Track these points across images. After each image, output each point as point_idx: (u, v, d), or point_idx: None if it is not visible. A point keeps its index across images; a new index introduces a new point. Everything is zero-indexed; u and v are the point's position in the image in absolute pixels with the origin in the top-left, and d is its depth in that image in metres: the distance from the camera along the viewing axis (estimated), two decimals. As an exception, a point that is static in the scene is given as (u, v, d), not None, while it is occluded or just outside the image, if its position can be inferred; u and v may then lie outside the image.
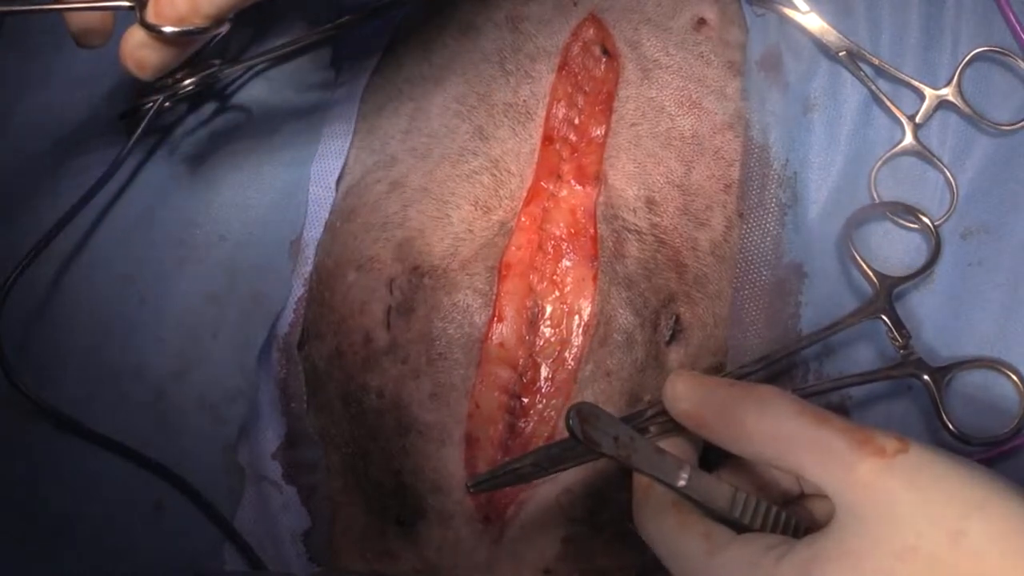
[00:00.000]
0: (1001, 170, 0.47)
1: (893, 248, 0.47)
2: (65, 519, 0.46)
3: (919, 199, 0.47)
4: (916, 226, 0.47)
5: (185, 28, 0.39)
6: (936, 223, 0.46)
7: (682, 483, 0.34)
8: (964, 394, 0.44)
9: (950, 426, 0.42)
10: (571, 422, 0.34)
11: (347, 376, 0.47)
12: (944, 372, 0.43)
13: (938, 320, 0.45)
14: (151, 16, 0.39)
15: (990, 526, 0.30)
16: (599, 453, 0.35)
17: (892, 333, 0.44)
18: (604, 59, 0.50)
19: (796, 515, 0.35)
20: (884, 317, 0.44)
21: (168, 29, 0.39)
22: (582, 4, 0.51)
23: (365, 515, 0.48)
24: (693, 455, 0.39)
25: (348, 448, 0.48)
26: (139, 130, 0.47)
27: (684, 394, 0.36)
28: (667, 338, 0.46)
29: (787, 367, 0.46)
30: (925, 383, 0.43)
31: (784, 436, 0.33)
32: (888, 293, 0.44)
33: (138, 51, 0.40)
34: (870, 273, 0.45)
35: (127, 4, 0.40)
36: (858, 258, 0.45)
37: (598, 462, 0.41)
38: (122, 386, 0.47)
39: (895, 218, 0.47)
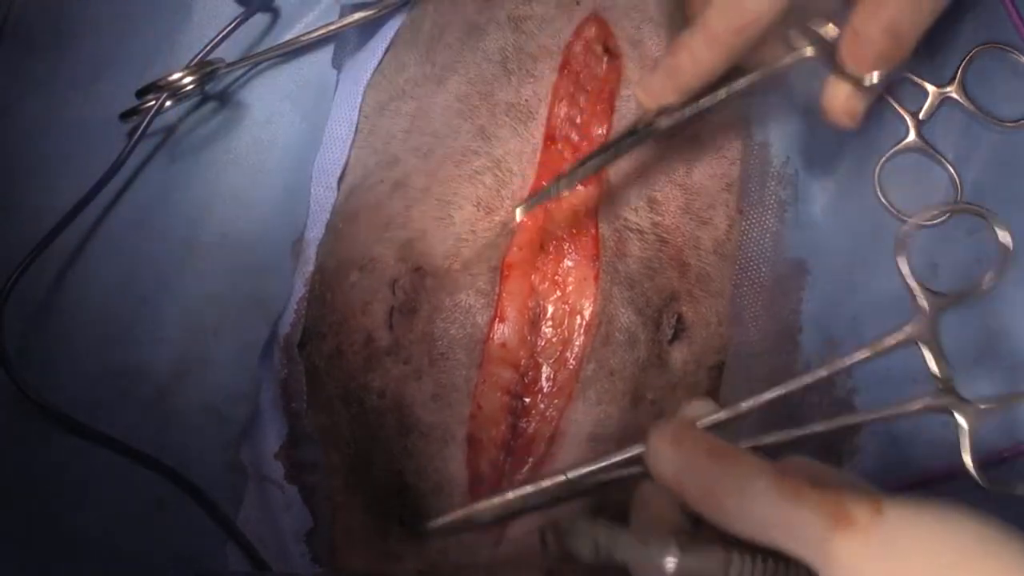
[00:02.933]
0: (1006, 166, 0.47)
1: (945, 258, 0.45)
2: (67, 519, 0.46)
3: (923, 196, 0.47)
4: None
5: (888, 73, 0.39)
6: (938, 221, 0.46)
7: (670, 568, 0.33)
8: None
9: (974, 475, 0.38)
10: (548, 538, 0.34)
11: (348, 376, 0.47)
12: (986, 414, 0.38)
13: (942, 317, 0.45)
14: (848, 64, 0.40)
15: None
16: (583, 563, 0.34)
17: (931, 365, 0.38)
18: (606, 58, 0.50)
19: (793, 567, 0.35)
20: (924, 347, 0.38)
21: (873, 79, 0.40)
22: (584, 3, 0.51)
23: (367, 515, 0.48)
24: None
25: (349, 448, 0.48)
26: (140, 130, 0.48)
27: (665, 457, 0.35)
28: (669, 337, 0.46)
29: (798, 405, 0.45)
30: (958, 423, 0.38)
31: (760, 516, 0.32)
32: (935, 318, 0.39)
33: (848, 103, 0.41)
34: (919, 293, 0.39)
35: (808, 53, 0.41)
36: (907, 275, 0.39)
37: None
38: (124, 386, 0.47)
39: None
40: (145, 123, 0.47)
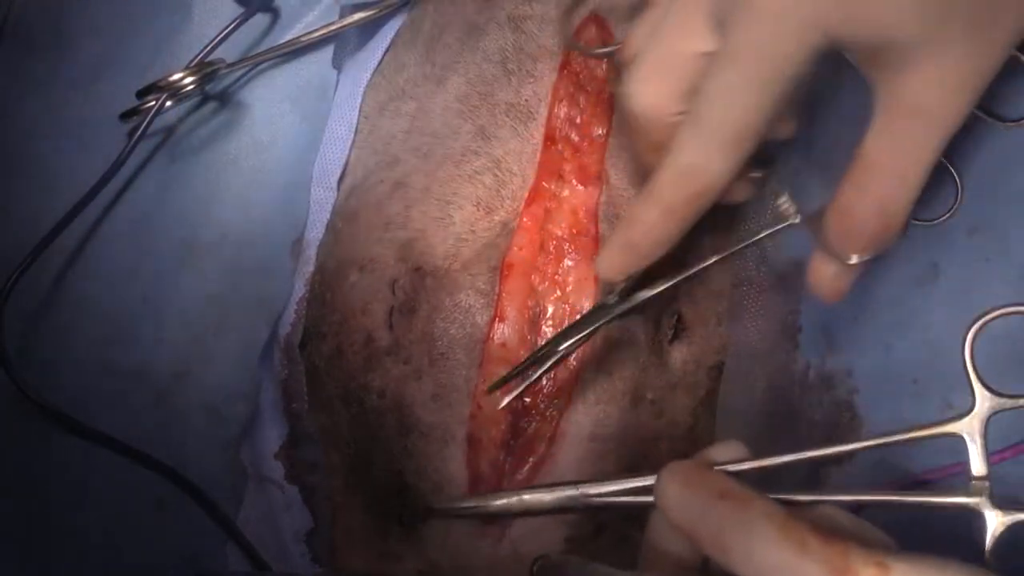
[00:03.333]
0: (1007, 166, 0.47)
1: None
2: (67, 519, 0.46)
3: (924, 196, 0.47)
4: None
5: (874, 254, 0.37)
6: (941, 219, 0.46)
7: None
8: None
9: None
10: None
11: (348, 376, 0.47)
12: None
13: (943, 314, 0.45)
14: (835, 246, 0.37)
15: None
16: None
17: (974, 462, 0.36)
18: (606, 58, 0.50)
19: None
20: (970, 441, 0.36)
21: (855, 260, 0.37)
22: (585, 3, 0.51)
23: (366, 515, 0.48)
24: None
25: (349, 448, 0.48)
26: (140, 130, 0.48)
27: (674, 496, 0.34)
28: (669, 337, 0.46)
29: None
30: (986, 519, 0.36)
31: (765, 564, 0.31)
32: (987, 419, 0.36)
33: (835, 282, 0.40)
34: (978, 386, 0.37)
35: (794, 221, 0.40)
36: (969, 365, 0.37)
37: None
38: (124, 386, 0.48)
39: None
40: (145, 123, 0.47)
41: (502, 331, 0.46)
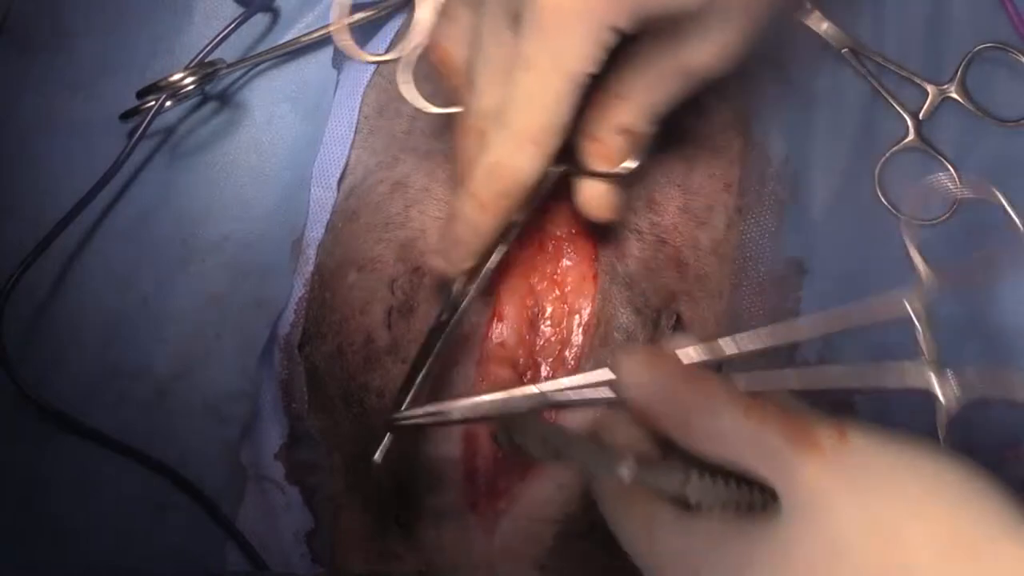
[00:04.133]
0: (1007, 166, 0.47)
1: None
2: (67, 519, 0.46)
3: (923, 196, 0.47)
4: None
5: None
6: (941, 219, 0.46)
7: (624, 474, 0.33)
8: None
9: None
10: (499, 437, 0.34)
11: (348, 376, 0.47)
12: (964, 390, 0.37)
13: (945, 315, 0.45)
14: (595, 165, 0.41)
15: (925, 528, 0.29)
16: (533, 458, 0.34)
17: (921, 340, 0.38)
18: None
19: (755, 491, 0.34)
20: (917, 319, 0.38)
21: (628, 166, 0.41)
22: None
23: (367, 515, 0.48)
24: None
25: (350, 448, 0.48)
26: (140, 130, 0.48)
27: (636, 376, 0.35)
28: (668, 337, 0.46)
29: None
30: (937, 397, 0.37)
31: (725, 436, 0.32)
32: (931, 298, 0.38)
33: (606, 198, 0.43)
34: (921, 265, 0.40)
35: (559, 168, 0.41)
36: (911, 245, 0.40)
37: None
38: (124, 386, 0.48)
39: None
40: (145, 123, 0.48)
41: (500, 330, 0.46)
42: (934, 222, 0.46)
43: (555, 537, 0.45)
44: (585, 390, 0.39)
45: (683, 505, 0.33)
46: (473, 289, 0.43)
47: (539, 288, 0.46)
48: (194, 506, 0.47)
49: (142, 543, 0.46)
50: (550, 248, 0.47)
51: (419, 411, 0.41)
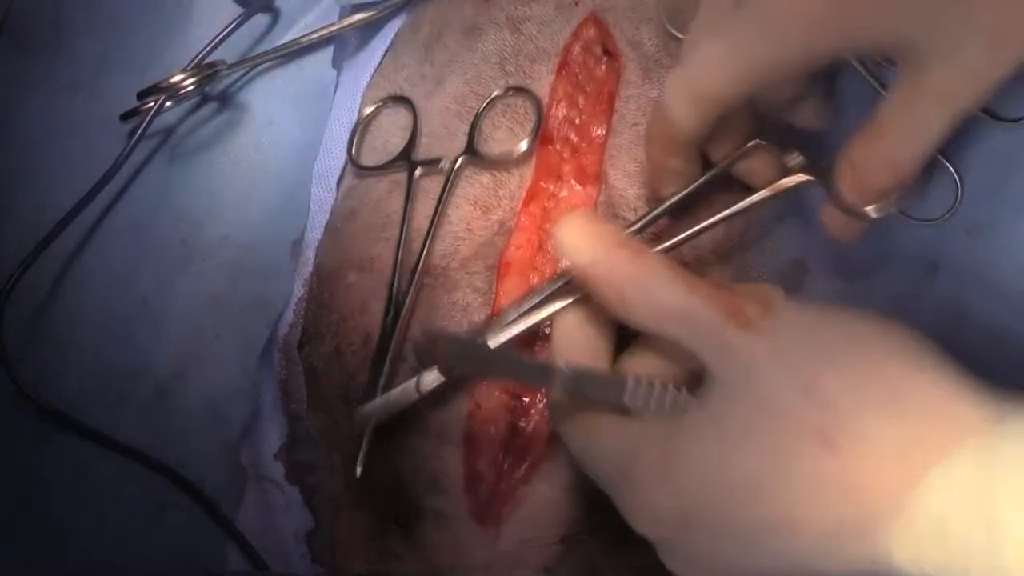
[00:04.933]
0: (1008, 165, 0.47)
1: None
2: (67, 519, 0.46)
3: (923, 195, 0.47)
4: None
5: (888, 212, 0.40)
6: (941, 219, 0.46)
7: (558, 385, 0.34)
8: None
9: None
10: (420, 350, 0.34)
11: (348, 376, 0.47)
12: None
13: (943, 314, 0.45)
14: (847, 199, 0.40)
15: (841, 377, 0.30)
16: (452, 372, 0.35)
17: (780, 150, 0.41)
18: (605, 59, 0.50)
19: (685, 392, 0.35)
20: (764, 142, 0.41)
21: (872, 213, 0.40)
22: (583, 4, 0.51)
23: (366, 516, 0.48)
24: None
25: (349, 448, 0.48)
26: (140, 130, 0.48)
27: (578, 247, 0.36)
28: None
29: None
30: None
31: (659, 307, 0.33)
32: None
33: (849, 227, 0.42)
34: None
35: (806, 178, 0.41)
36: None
37: None
38: (124, 386, 0.48)
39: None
40: (145, 124, 0.48)
41: (500, 330, 0.46)
42: (934, 222, 0.46)
43: (560, 540, 0.44)
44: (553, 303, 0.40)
45: (622, 411, 0.34)
46: (411, 289, 0.45)
47: (539, 288, 0.46)
48: (194, 506, 0.47)
49: (142, 543, 0.46)
50: (550, 248, 0.47)
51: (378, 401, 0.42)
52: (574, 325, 0.38)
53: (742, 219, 0.48)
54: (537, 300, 0.41)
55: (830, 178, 0.40)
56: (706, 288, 0.33)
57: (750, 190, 0.42)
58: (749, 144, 0.42)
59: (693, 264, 0.47)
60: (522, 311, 0.41)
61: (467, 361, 0.35)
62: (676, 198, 0.43)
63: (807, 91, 0.43)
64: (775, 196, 0.42)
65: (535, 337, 0.44)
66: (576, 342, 0.38)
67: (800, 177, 0.41)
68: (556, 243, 0.36)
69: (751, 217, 0.48)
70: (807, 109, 0.43)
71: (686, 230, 0.41)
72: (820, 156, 0.41)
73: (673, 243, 0.41)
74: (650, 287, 0.34)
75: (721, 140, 0.42)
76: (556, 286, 0.41)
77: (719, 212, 0.41)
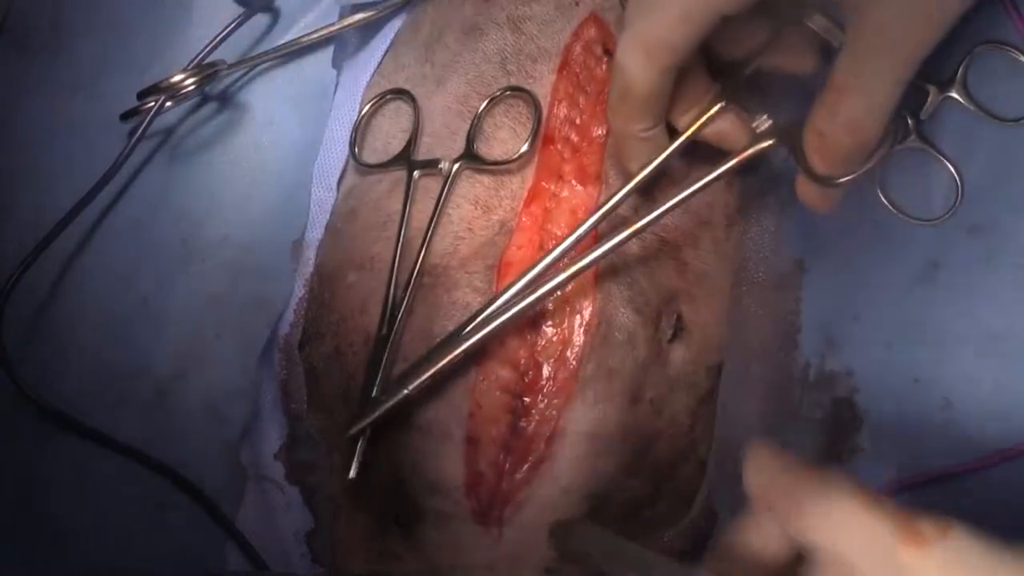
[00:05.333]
0: (1008, 165, 0.46)
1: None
2: (67, 519, 0.46)
3: (925, 195, 0.47)
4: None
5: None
6: (942, 219, 0.46)
7: None
8: None
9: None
10: (556, 537, 0.34)
11: (348, 376, 0.47)
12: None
13: (944, 313, 0.45)
14: (816, 167, 0.40)
15: None
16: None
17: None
18: (606, 59, 0.50)
19: None
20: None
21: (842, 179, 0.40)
22: (583, 4, 0.51)
23: (366, 516, 0.48)
24: None
25: (349, 448, 0.48)
26: (140, 130, 0.48)
27: (758, 469, 0.35)
28: (669, 336, 0.46)
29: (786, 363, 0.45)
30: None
31: (837, 521, 0.32)
32: None
33: (824, 196, 0.42)
34: None
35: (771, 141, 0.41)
36: None
37: None
38: (124, 386, 0.48)
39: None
40: (145, 124, 0.48)
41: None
42: (934, 221, 0.46)
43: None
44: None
45: None
46: (411, 288, 0.45)
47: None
48: (194, 506, 0.46)
49: (142, 543, 0.46)
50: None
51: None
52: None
53: (742, 219, 0.48)
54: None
55: (799, 142, 0.40)
56: (886, 506, 0.32)
57: (721, 163, 0.42)
58: (715, 108, 0.42)
59: (693, 263, 0.47)
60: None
61: (615, 559, 0.34)
62: (647, 170, 0.43)
63: (775, 39, 0.43)
64: (746, 162, 0.42)
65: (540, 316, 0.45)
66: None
67: (767, 143, 0.41)
68: (745, 468, 0.35)
69: (751, 216, 0.48)
70: (787, 52, 0.43)
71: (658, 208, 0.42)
72: (789, 120, 0.41)
73: (645, 223, 0.42)
74: (832, 500, 0.32)
75: (686, 106, 0.42)
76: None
77: (690, 187, 0.42)
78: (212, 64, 0.49)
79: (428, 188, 0.49)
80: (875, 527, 0.32)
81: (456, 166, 0.48)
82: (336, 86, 0.52)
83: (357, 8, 0.52)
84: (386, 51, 0.53)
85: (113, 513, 0.46)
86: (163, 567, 0.46)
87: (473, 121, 0.49)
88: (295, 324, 0.50)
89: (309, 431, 0.49)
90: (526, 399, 0.45)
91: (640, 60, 0.39)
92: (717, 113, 0.43)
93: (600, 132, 0.49)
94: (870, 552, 0.32)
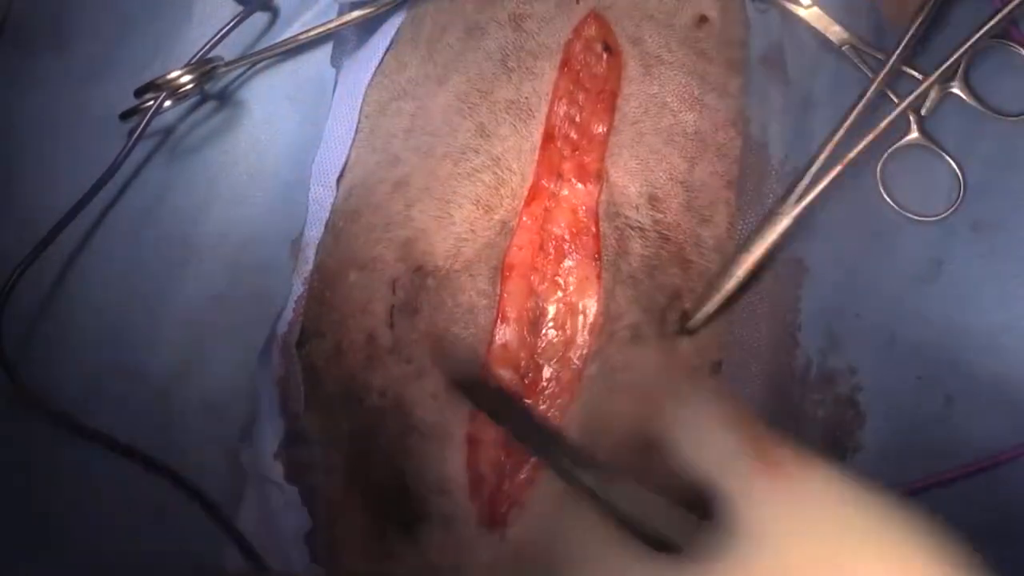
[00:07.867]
0: (1010, 161, 0.46)
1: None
2: (66, 519, 0.46)
3: (927, 192, 0.47)
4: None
5: None
6: (944, 215, 0.46)
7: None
8: None
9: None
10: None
11: (348, 375, 0.47)
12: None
13: (947, 310, 0.45)
14: None
15: (875, 568, 0.29)
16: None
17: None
18: (606, 56, 0.50)
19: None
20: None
21: None
22: (584, 1, 0.51)
23: (366, 516, 0.47)
24: None
25: (348, 448, 0.48)
26: (139, 130, 0.48)
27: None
28: (676, 331, 0.46)
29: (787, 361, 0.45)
30: None
31: (695, 435, 0.33)
32: None
33: None
34: None
35: None
36: None
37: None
38: (124, 386, 0.48)
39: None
40: (144, 123, 0.48)
41: (503, 332, 0.46)
42: (937, 218, 0.46)
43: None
44: None
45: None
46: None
47: (540, 289, 0.46)
48: (194, 506, 0.46)
49: (142, 543, 0.46)
50: (551, 249, 0.47)
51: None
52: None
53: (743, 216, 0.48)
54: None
55: None
56: (755, 423, 0.32)
57: None
58: None
59: (696, 261, 0.47)
60: None
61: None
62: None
63: None
64: None
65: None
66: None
67: None
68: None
69: (752, 213, 0.48)
70: None
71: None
72: None
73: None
74: (698, 409, 0.33)
75: None
76: None
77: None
78: (210, 61, 0.49)
79: (429, 188, 0.49)
80: (731, 446, 0.31)
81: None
82: (335, 84, 0.52)
83: (355, 6, 0.51)
84: (387, 50, 0.53)
85: (113, 513, 0.46)
86: (163, 567, 0.46)
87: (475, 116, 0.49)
88: (294, 323, 0.50)
89: (308, 430, 0.49)
90: (527, 401, 0.45)
91: None
92: None
93: (600, 130, 0.49)
94: (724, 471, 0.31)
